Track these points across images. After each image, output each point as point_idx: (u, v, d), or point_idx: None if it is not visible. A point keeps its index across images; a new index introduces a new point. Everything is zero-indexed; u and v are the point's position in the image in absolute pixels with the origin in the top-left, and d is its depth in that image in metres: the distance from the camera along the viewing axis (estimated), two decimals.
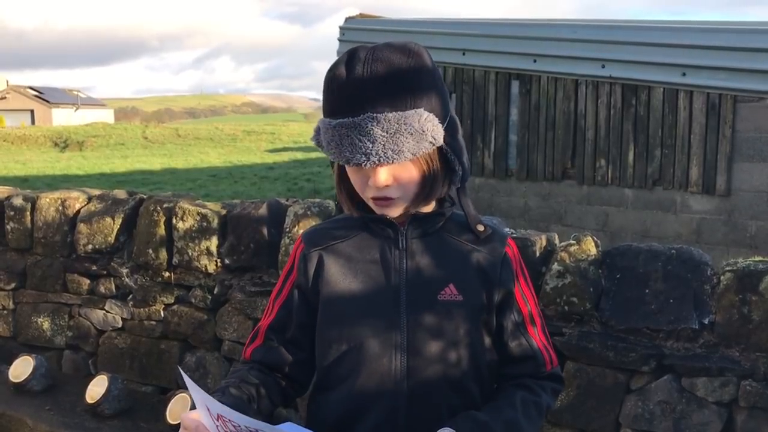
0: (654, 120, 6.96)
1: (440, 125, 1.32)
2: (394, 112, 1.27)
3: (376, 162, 1.29)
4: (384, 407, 1.41)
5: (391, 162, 1.30)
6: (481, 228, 1.46)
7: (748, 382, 2.46)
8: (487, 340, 1.47)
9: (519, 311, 1.48)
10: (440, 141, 1.33)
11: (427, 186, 1.37)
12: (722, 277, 2.54)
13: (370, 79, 1.28)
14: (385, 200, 1.37)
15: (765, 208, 6.37)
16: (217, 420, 1.19)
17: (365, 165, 1.30)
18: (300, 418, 3.09)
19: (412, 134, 1.28)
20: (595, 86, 7.33)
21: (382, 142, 1.27)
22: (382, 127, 1.26)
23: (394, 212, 1.40)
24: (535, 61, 7.74)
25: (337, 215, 1.57)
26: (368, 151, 1.28)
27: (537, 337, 1.50)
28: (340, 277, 1.45)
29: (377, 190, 1.35)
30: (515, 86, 7.94)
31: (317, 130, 1.37)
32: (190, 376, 3.56)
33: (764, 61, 6.23)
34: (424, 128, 1.29)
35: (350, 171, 1.39)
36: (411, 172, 1.35)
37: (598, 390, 2.68)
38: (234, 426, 1.18)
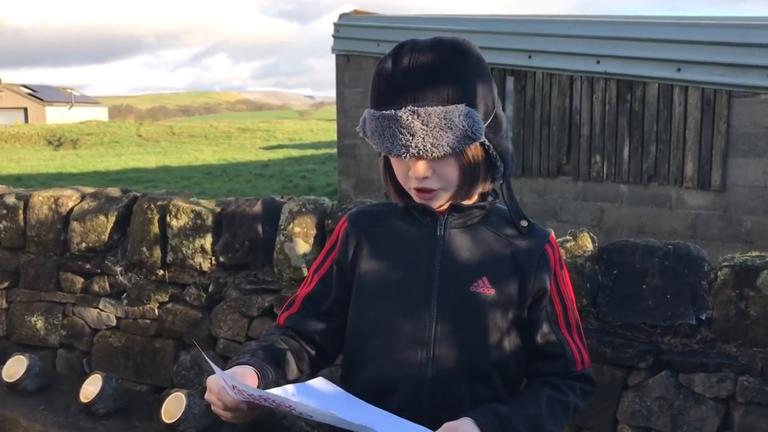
0: (649, 116, 6.96)
1: (481, 121, 1.34)
2: (434, 107, 1.30)
3: (415, 154, 1.33)
4: (408, 391, 1.43)
5: (430, 155, 1.33)
6: (524, 223, 1.48)
7: (746, 378, 2.46)
8: (516, 335, 1.48)
9: (553, 309, 1.49)
10: (481, 137, 1.35)
11: (467, 180, 1.40)
12: (719, 273, 2.53)
13: (413, 72, 1.32)
14: (426, 192, 1.40)
15: (760, 203, 6.38)
16: (233, 389, 1.27)
17: (405, 157, 1.34)
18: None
19: (451, 129, 1.31)
20: (590, 82, 7.33)
21: (422, 136, 1.31)
22: (423, 121, 1.30)
23: (435, 204, 1.44)
24: (530, 57, 7.74)
25: (384, 200, 1.60)
26: (408, 143, 1.32)
27: (569, 337, 1.50)
28: (377, 260, 1.49)
29: (417, 181, 1.38)
30: (510, 82, 7.93)
31: (363, 120, 1.41)
32: (185, 375, 3.56)
33: (759, 56, 6.23)
34: (464, 124, 1.32)
35: (393, 161, 1.42)
36: (451, 166, 1.38)
37: (596, 386, 2.67)
38: (248, 395, 1.26)
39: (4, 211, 3.99)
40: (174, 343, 3.62)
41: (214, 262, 3.48)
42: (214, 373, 1.30)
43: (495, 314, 1.44)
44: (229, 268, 3.47)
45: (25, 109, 49.64)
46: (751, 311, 2.45)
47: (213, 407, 1.32)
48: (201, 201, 3.65)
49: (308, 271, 1.62)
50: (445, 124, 1.30)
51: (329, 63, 9.77)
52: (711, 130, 6.57)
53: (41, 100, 51.38)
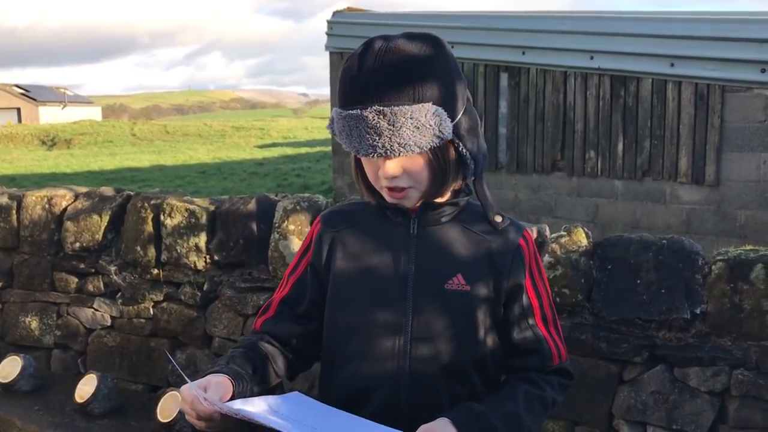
0: (643, 111, 6.97)
1: (448, 120, 1.33)
2: (401, 106, 1.29)
3: (382, 154, 1.32)
4: (386, 391, 1.43)
5: (397, 154, 1.32)
6: (498, 219, 1.47)
7: (740, 371, 2.46)
8: (493, 331, 1.47)
9: (528, 303, 1.48)
10: (448, 135, 1.34)
11: (438, 178, 1.39)
12: (713, 267, 2.54)
13: (379, 71, 1.30)
14: (397, 191, 1.39)
15: (754, 197, 6.40)
16: (205, 401, 1.27)
17: (372, 156, 1.33)
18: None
19: (418, 128, 1.30)
20: (584, 78, 7.33)
21: (388, 135, 1.29)
22: (388, 121, 1.28)
23: (407, 203, 1.43)
24: (523, 53, 7.74)
25: (357, 199, 1.59)
26: (375, 143, 1.31)
27: (545, 331, 1.49)
28: (351, 261, 1.48)
29: (387, 180, 1.37)
30: (504, 79, 7.93)
31: (331, 119, 1.40)
32: (181, 374, 3.54)
33: (752, 50, 6.24)
34: (430, 122, 1.31)
35: (363, 161, 1.42)
36: (420, 165, 1.37)
37: (591, 381, 2.68)
38: (218, 407, 1.26)
39: None
40: (169, 343, 3.62)
41: (208, 260, 3.48)
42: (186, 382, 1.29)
43: (471, 311, 1.43)
44: (223, 266, 3.46)
45: (18, 109, 49.45)
46: (745, 305, 2.46)
47: (187, 417, 1.31)
48: (195, 199, 3.64)
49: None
50: (412, 124, 1.29)
51: (324, 60, 9.76)
52: (705, 125, 6.58)
53: (34, 100, 51.20)
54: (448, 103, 1.33)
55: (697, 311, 2.53)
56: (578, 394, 2.69)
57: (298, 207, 3.28)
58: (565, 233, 2.80)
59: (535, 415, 1.42)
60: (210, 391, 1.29)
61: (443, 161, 1.37)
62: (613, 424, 2.68)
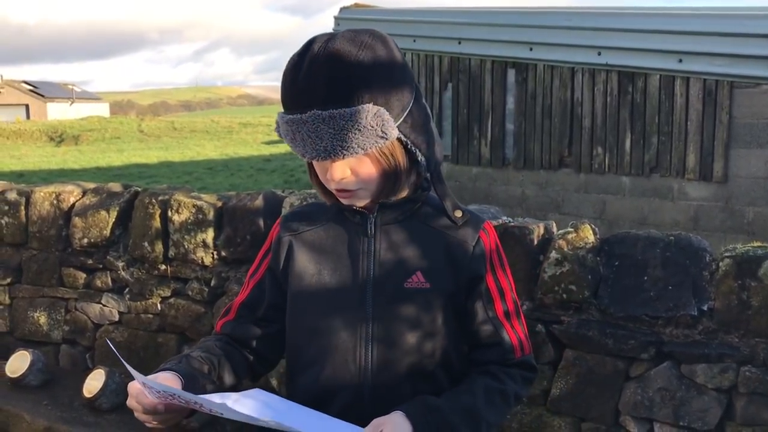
0: (651, 107, 6.94)
1: (391, 120, 1.30)
2: (340, 109, 1.26)
3: (325, 157, 1.31)
4: (348, 395, 1.42)
5: (342, 157, 1.30)
6: (458, 214, 1.45)
7: (748, 368, 2.46)
8: (456, 327, 1.46)
9: (489, 297, 1.46)
10: (392, 135, 1.32)
11: (389, 179, 1.37)
12: (721, 263, 2.53)
13: (317, 75, 1.27)
14: (347, 192, 1.38)
15: (762, 194, 6.36)
16: (144, 387, 1.27)
17: (317, 159, 1.32)
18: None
19: (360, 130, 1.28)
20: (592, 74, 7.31)
21: (329, 139, 1.28)
22: (329, 125, 1.27)
23: (359, 203, 1.41)
24: (531, 49, 7.71)
25: (317, 200, 1.58)
26: (317, 146, 1.29)
27: (507, 323, 1.48)
28: (309, 265, 1.47)
29: (336, 182, 1.36)
30: (511, 75, 7.91)
31: (277, 123, 1.38)
32: None
33: (761, 46, 6.20)
34: (372, 124, 1.28)
35: (314, 163, 1.40)
36: (368, 166, 1.35)
37: (597, 378, 2.67)
38: (157, 393, 1.26)
39: (6, 207, 4.00)
40: (177, 338, 3.63)
41: (215, 256, 3.48)
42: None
43: (433, 309, 1.42)
44: (230, 262, 3.47)
45: (27, 106, 49.66)
46: (752, 301, 2.45)
47: (135, 413, 1.31)
48: (202, 195, 3.65)
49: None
50: (352, 126, 1.27)
51: None
52: (713, 121, 6.55)
53: (42, 96, 51.39)
54: (390, 103, 1.31)
55: (705, 308, 2.53)
56: (585, 390, 2.69)
57: (305, 203, 3.29)
58: (572, 230, 2.80)
59: (495, 408, 1.40)
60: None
61: (392, 161, 1.35)
62: (619, 421, 2.68)
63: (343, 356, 1.42)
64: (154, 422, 1.31)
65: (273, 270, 1.52)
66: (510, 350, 1.47)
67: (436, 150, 1.43)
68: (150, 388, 1.25)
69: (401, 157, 1.37)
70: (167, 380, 1.31)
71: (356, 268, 1.43)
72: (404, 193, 1.44)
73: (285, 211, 3.31)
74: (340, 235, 1.46)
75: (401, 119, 1.34)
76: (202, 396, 1.24)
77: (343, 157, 1.30)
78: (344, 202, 1.42)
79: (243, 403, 1.28)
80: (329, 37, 1.31)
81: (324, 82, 1.27)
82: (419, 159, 1.39)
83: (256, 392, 1.37)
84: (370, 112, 1.28)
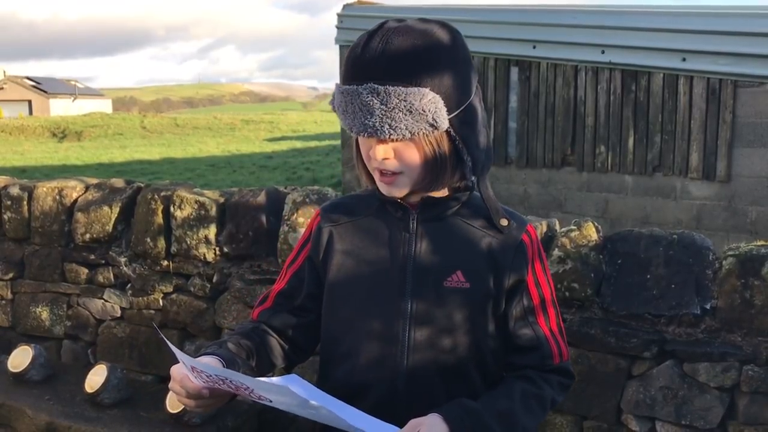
0: (654, 106, 6.93)
1: (444, 109, 1.29)
2: (395, 87, 1.26)
3: (373, 134, 1.30)
4: (382, 390, 1.41)
5: (387, 135, 1.29)
6: (504, 222, 1.43)
7: (750, 367, 2.45)
8: (493, 328, 1.44)
9: (529, 300, 1.44)
10: (443, 125, 1.30)
11: (432, 170, 1.35)
12: (724, 262, 2.53)
13: (382, 51, 1.28)
14: (387, 175, 1.36)
15: (765, 193, 6.36)
16: (193, 373, 1.26)
17: (363, 135, 1.32)
18: None
19: (411, 112, 1.27)
20: (595, 72, 7.30)
21: (380, 115, 1.27)
22: (381, 100, 1.26)
23: (397, 191, 1.39)
24: (534, 47, 7.70)
25: (359, 192, 1.57)
26: (366, 121, 1.29)
27: (546, 328, 1.46)
28: (349, 255, 1.45)
29: (377, 161, 1.35)
30: (514, 73, 7.90)
31: (333, 95, 1.38)
32: None
33: (764, 45, 6.19)
34: (424, 108, 1.27)
35: (360, 140, 1.39)
36: (413, 151, 1.33)
37: (600, 376, 2.67)
38: (206, 376, 1.25)
39: (9, 203, 4.00)
40: (178, 334, 3.63)
41: (218, 252, 3.49)
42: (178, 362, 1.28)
43: (471, 309, 1.40)
44: (233, 258, 3.47)
45: (29, 102, 49.69)
46: (755, 300, 2.45)
47: (177, 397, 1.31)
48: (205, 192, 3.65)
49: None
50: (404, 107, 1.26)
51: (335, 54, 9.73)
52: (716, 120, 6.54)
53: (45, 92, 51.41)
54: (448, 93, 1.30)
55: (707, 307, 2.52)
56: (587, 388, 2.69)
57: (307, 200, 3.29)
58: (575, 228, 2.79)
59: (531, 413, 1.39)
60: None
61: (438, 153, 1.34)
62: (621, 419, 2.67)
63: (378, 351, 1.41)
64: (197, 407, 1.32)
65: (312, 259, 1.51)
66: (549, 356, 1.45)
67: (484, 154, 1.41)
68: (200, 372, 1.24)
69: (448, 151, 1.35)
70: (210, 364, 1.30)
71: (396, 264, 1.41)
72: (445, 192, 1.42)
73: (287, 207, 3.30)
74: (381, 230, 1.44)
75: (455, 113, 1.32)
76: (258, 378, 1.22)
77: (389, 136, 1.29)
78: (383, 187, 1.39)
79: (296, 388, 1.24)
80: (402, 20, 1.33)
81: (388, 57, 1.27)
82: (465, 158, 1.37)
83: (293, 378, 1.35)
84: (426, 96, 1.27)
